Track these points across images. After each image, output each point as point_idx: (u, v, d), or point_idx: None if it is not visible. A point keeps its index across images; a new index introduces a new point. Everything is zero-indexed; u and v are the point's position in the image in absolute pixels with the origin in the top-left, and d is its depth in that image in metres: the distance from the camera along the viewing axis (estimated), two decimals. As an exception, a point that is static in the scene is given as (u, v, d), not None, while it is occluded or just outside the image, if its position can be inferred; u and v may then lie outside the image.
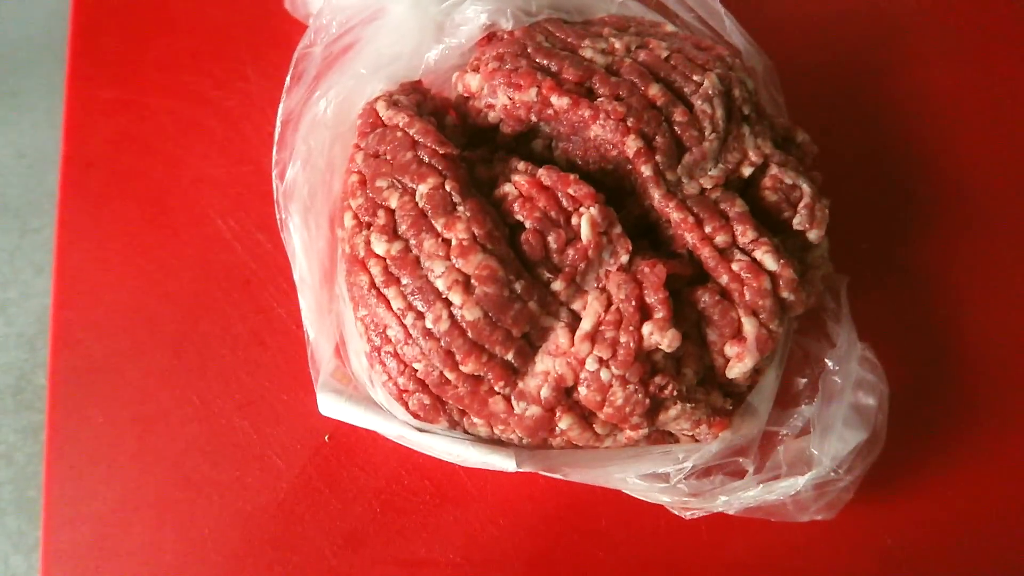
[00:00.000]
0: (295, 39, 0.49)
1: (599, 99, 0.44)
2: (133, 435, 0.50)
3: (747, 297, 0.42)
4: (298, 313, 0.46)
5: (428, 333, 0.41)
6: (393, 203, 0.42)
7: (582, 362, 0.41)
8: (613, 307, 0.41)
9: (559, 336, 0.41)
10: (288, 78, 0.47)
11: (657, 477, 0.44)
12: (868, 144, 0.59)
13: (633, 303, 0.41)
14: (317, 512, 0.49)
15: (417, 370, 0.42)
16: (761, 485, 0.44)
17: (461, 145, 0.47)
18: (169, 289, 0.53)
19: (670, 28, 0.49)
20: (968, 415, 0.52)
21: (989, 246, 0.57)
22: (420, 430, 0.44)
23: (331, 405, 0.46)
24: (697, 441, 0.44)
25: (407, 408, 0.43)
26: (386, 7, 0.48)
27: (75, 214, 0.55)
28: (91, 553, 0.48)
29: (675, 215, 0.43)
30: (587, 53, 0.46)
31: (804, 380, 0.47)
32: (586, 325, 0.41)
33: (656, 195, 0.43)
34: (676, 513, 0.46)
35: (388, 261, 0.42)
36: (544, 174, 0.42)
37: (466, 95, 0.47)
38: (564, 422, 0.42)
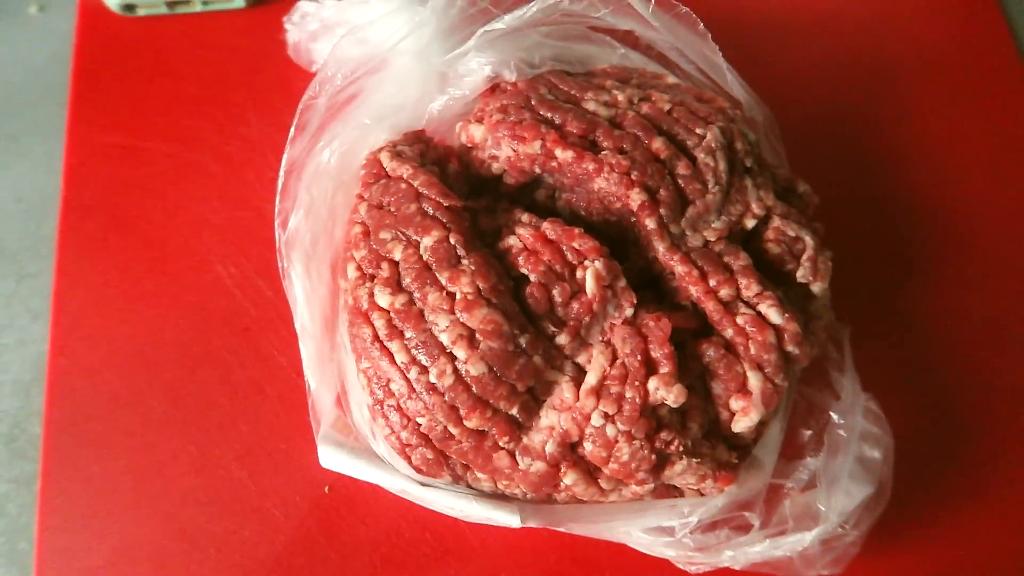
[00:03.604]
0: (296, 84, 0.49)
1: (603, 152, 0.44)
2: (128, 485, 0.49)
3: (752, 351, 0.42)
4: (299, 362, 0.46)
5: (432, 387, 0.40)
6: (397, 255, 0.42)
7: (587, 417, 0.40)
8: (618, 361, 0.41)
9: (564, 390, 0.41)
10: (292, 128, 0.47)
11: (662, 531, 0.43)
12: (869, 193, 0.59)
13: (639, 357, 0.40)
14: (316, 566, 0.48)
15: (420, 424, 0.41)
16: (768, 540, 0.43)
17: (464, 193, 0.47)
18: (167, 336, 0.53)
19: (672, 80, 0.50)
20: (972, 465, 0.52)
21: (990, 295, 0.57)
22: (423, 484, 0.43)
23: (332, 457, 0.45)
24: (703, 495, 0.44)
25: (410, 462, 0.42)
26: (390, 59, 0.48)
27: (73, 259, 0.54)
28: (84, 609, 0.47)
29: (679, 268, 0.43)
30: (590, 106, 0.46)
31: (809, 432, 0.47)
32: (591, 379, 0.41)
33: (660, 248, 0.43)
34: (681, 568, 0.45)
35: (392, 314, 0.41)
36: (548, 228, 0.42)
37: (469, 145, 0.47)
38: (569, 478, 0.41)
